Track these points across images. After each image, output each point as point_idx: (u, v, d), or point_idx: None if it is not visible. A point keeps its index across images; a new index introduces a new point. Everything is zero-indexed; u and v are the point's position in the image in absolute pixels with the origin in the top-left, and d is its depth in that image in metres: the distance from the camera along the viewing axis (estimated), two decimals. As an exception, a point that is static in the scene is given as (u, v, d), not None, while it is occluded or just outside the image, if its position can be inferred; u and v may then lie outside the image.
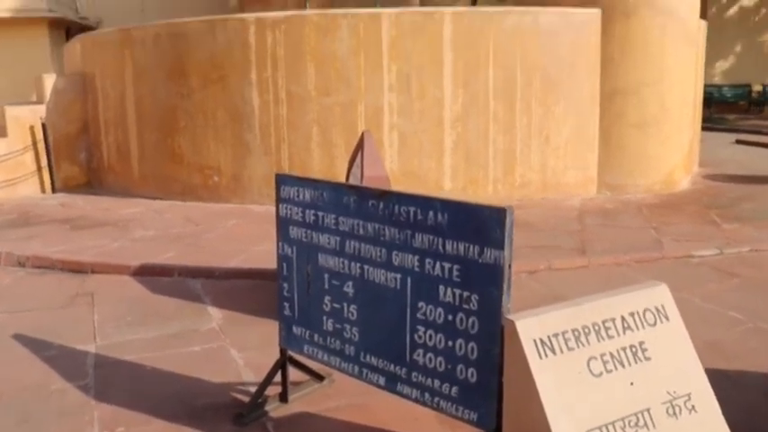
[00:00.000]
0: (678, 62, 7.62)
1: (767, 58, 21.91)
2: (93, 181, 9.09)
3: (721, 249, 5.51)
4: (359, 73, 6.97)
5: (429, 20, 7.02)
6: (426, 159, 7.11)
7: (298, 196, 2.86)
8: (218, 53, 7.30)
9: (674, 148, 7.80)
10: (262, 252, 5.38)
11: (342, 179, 5.87)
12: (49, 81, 8.83)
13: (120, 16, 17.89)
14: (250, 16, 7.45)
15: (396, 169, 6.89)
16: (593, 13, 7.25)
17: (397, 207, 2.52)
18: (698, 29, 8.33)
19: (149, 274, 5.21)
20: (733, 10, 21.29)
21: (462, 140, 7.10)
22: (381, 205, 2.56)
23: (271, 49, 7.09)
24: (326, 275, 2.80)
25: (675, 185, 7.84)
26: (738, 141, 12.92)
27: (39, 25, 17.04)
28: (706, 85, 18.81)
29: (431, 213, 2.39)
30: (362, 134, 4.19)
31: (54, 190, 8.62)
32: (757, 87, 21.11)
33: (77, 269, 5.43)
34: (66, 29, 18.17)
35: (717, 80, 20.67)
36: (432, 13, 7.28)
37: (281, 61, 7.08)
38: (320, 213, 2.78)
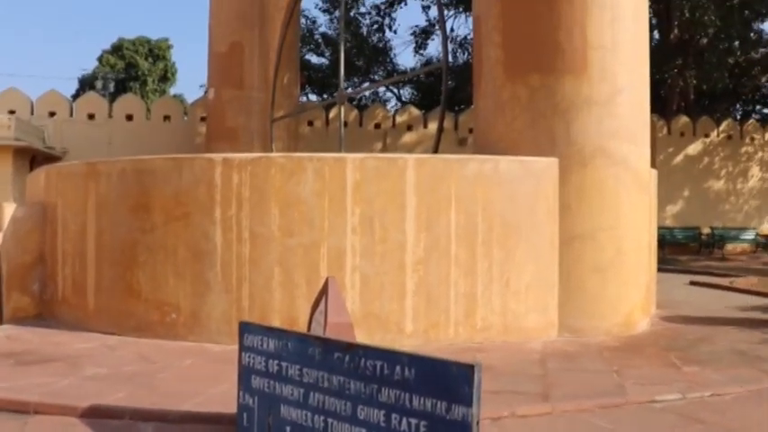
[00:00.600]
0: (632, 208, 7.92)
1: (713, 203, 22.98)
2: (44, 313, 8.83)
3: (684, 394, 5.48)
4: (323, 215, 7.08)
5: (393, 165, 7.24)
6: (388, 301, 7.10)
7: (261, 345, 2.82)
8: (183, 191, 7.37)
9: (632, 291, 7.95)
10: (219, 395, 5.20)
11: (303, 320, 5.82)
12: (9, 209, 8.76)
13: (86, 148, 18.14)
14: (217, 157, 7.59)
15: (357, 311, 6.85)
16: (551, 162, 7.57)
17: (363, 361, 2.49)
18: (649, 177, 8.73)
19: (98, 417, 4.96)
20: (679, 158, 22.49)
21: (424, 283, 7.13)
22: (347, 358, 2.53)
23: (236, 189, 7.19)
24: (289, 428, 2.72)
25: (634, 327, 7.92)
26: (692, 283, 13.25)
27: (3, 152, 17.12)
28: (658, 228, 19.52)
29: (398, 368, 2.37)
30: (327, 280, 4.20)
31: (1, 321, 8.33)
32: (706, 230, 21.97)
33: (19, 409, 5.10)
34: (32, 158, 18.27)
35: (668, 223, 21.47)
36: (395, 158, 7.52)
37: (245, 201, 7.17)
38: (284, 364, 2.74)
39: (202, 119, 18.98)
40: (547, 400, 5.34)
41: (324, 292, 4.10)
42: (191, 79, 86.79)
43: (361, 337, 5.91)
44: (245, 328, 2.91)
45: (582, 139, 7.61)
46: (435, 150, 9.80)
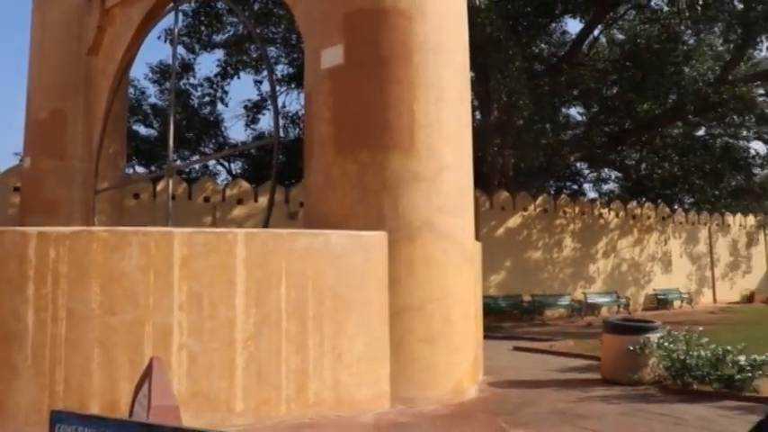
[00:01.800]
0: (459, 279, 8.25)
1: (532, 272, 24.46)
2: None
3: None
4: (147, 291, 6.76)
5: (222, 240, 7.10)
6: (217, 380, 6.84)
7: (75, 437, 2.60)
8: (-9, 267, 6.77)
9: (461, 359, 8.20)
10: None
11: (125, 403, 5.46)
12: None
13: None
14: (32, 230, 7.08)
15: (184, 391, 6.54)
16: (380, 236, 7.76)
17: (186, 447, 2.37)
18: (474, 249, 9.17)
19: None
20: (501, 230, 23.84)
21: (254, 360, 6.95)
22: (169, 446, 2.40)
23: (53, 265, 6.71)
24: None
25: (464, 394, 8.14)
26: (516, 348, 13.89)
27: None
28: (483, 297, 20.39)
29: (222, 454, 2.27)
30: (151, 359, 3.99)
31: None
32: (527, 297, 23.27)
33: None
34: None
35: (492, 292, 22.50)
36: (224, 233, 7.39)
37: (63, 277, 6.70)
38: (100, 456, 2.54)
39: (16, 189, 17.71)
40: (381, 473, 5.33)
41: (148, 372, 3.89)
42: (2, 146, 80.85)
43: (189, 419, 5.63)
44: (56, 418, 2.68)
45: (410, 214, 7.88)
46: (266, 225, 9.74)
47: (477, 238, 10.34)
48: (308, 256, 7.36)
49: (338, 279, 7.46)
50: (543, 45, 27.08)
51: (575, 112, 31.21)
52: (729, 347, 8.55)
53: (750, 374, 8.08)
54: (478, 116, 25.61)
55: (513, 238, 24.09)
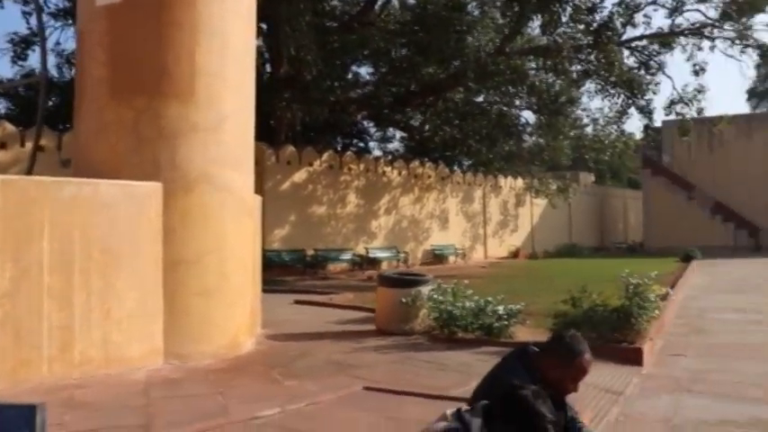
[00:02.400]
0: (237, 232, 8.15)
1: (316, 227, 24.89)
2: None
3: (283, 407, 5.78)
4: None
5: (-28, 186, 6.41)
6: (-33, 341, 6.23)
7: None
8: None
9: (237, 313, 8.16)
10: None
11: None
12: None
13: None
14: None
15: (-74, 353, 5.90)
16: (155, 187, 7.42)
17: None
18: (254, 202, 9.11)
19: None
20: (287, 185, 23.92)
21: (11, 318, 6.35)
22: None
23: None
24: None
25: (240, 348, 8.14)
26: (297, 302, 14.11)
27: None
28: (266, 251, 20.41)
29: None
30: None
31: None
32: (311, 252, 23.67)
33: None
34: None
35: (276, 246, 22.63)
36: (-25, 179, 6.67)
37: None
38: None
39: None
40: (148, 430, 5.19)
41: None
42: None
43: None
44: None
45: (187, 165, 7.62)
46: (29, 172, 8.94)
47: (262, 192, 10.30)
48: (76, 207, 6.85)
49: (108, 231, 7.04)
50: (336, 2, 27.24)
51: (364, 71, 31.89)
52: (490, 298, 9.32)
53: (507, 322, 8.87)
54: (268, 69, 25.29)
55: (299, 192, 24.29)
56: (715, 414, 6.04)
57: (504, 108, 28.18)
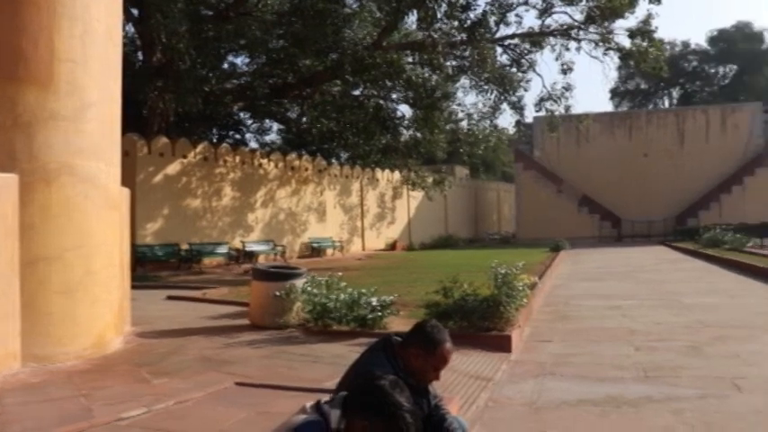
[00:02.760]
0: (102, 227, 7.79)
1: (191, 220, 24.27)
2: None
3: (150, 407, 5.58)
4: None
5: None
6: None
7: None
8: None
9: (104, 311, 7.81)
10: None
11: None
12: None
13: None
14: None
15: None
16: (10, 179, 6.94)
17: None
18: (121, 195, 8.73)
19: None
20: (159, 177, 23.15)
21: None
22: None
23: None
24: None
25: (107, 347, 7.81)
26: (170, 297, 13.72)
27: None
28: (138, 246, 19.72)
29: None
30: None
31: None
32: (185, 246, 23.05)
33: None
34: None
35: (149, 240, 21.89)
36: None
37: None
38: None
39: None
40: (1, 439, 4.88)
41: None
42: None
43: None
44: None
45: (46, 155, 7.19)
46: None
47: (133, 184, 9.89)
48: None
49: (-43, 226, 6.55)
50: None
51: (240, 61, 31.31)
52: (364, 290, 9.40)
53: (380, 314, 8.98)
54: (140, 57, 24.36)
55: (172, 185, 23.59)
56: (575, 395, 6.37)
57: (381, 101, 28.47)
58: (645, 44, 27.48)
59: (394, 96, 29.52)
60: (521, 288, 8.98)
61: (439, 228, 44.20)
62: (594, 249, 35.93)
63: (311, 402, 2.60)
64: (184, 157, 24.15)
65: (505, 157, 61.58)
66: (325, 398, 2.63)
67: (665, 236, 44.19)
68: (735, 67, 71.02)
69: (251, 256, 25.51)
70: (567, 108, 27.88)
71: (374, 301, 9.07)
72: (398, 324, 9.09)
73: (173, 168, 23.63)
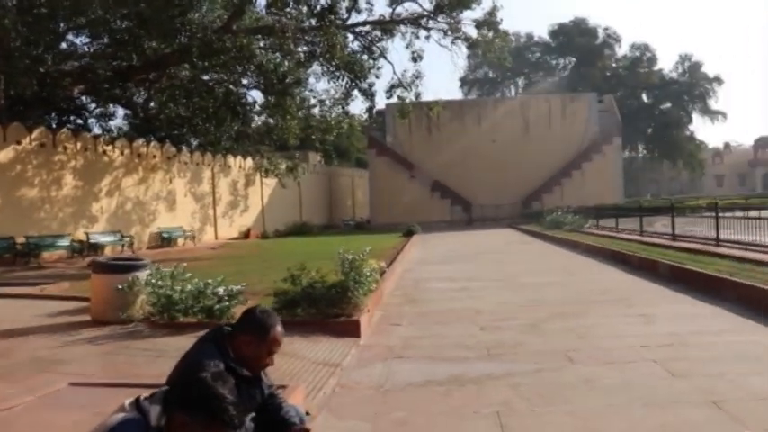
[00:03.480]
0: None
1: (28, 211, 22.72)
2: None
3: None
4: None
5: None
6: None
7: None
8: None
9: None
10: None
11: None
12: None
13: None
14: None
15: None
16: None
17: None
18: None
19: None
20: (-11, 165, 21.47)
21: None
22: None
23: None
24: None
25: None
26: (2, 295, 12.80)
27: None
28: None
29: None
30: None
31: None
32: (21, 239, 21.54)
33: None
34: None
35: (-22, 234, 20.28)
36: None
37: None
38: None
39: None
40: None
41: None
42: None
43: None
44: None
45: None
46: None
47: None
48: None
49: None
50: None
51: (80, 41, 29.48)
52: (210, 280, 9.18)
53: (228, 303, 8.81)
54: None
55: (5, 173, 21.95)
56: (422, 376, 6.56)
57: (232, 87, 27.84)
58: (491, 35, 28.63)
59: (245, 82, 29.00)
60: (368, 273, 9.12)
61: (293, 215, 44.02)
62: (446, 233, 37.12)
63: (130, 399, 2.50)
64: (18, 143, 22.47)
65: (359, 144, 62.22)
66: (146, 393, 2.55)
67: (512, 219, 46.40)
68: (573, 59, 75.49)
69: (96, 248, 24.22)
70: (418, 95, 28.50)
71: (221, 290, 8.89)
72: (248, 314, 8.99)
73: (5, 155, 21.93)
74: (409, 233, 31.30)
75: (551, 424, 5.00)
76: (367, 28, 27.82)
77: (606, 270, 15.36)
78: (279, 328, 3.32)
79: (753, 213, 15.72)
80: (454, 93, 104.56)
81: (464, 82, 78.71)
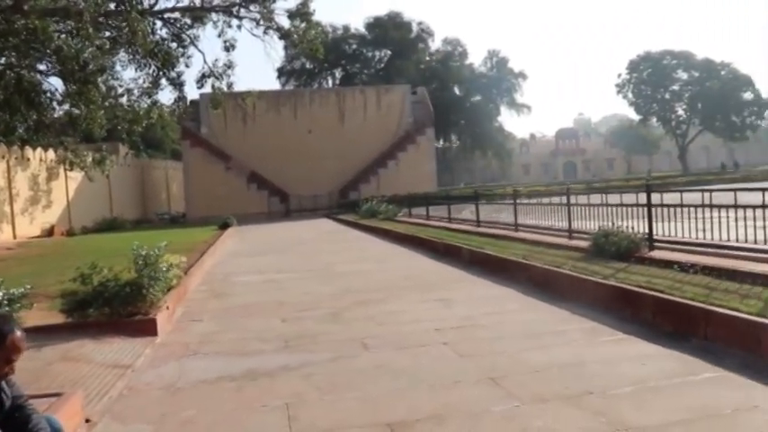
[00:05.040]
0: None
1: None
2: None
3: None
4: None
5: None
6: None
7: None
8: None
9: None
10: None
11: None
12: None
13: None
14: None
15: None
16: None
17: None
18: None
19: None
20: None
21: None
22: None
23: None
24: None
25: None
26: None
27: None
28: None
29: None
30: None
31: None
32: None
33: None
34: None
35: None
36: None
37: None
38: None
39: None
40: None
41: None
42: None
43: None
44: None
45: None
46: None
47: None
48: None
49: None
50: None
51: None
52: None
53: (8, 308, 8.10)
54: None
55: None
56: (215, 372, 6.42)
57: (25, 72, 25.68)
58: (303, 26, 28.56)
59: (42, 68, 26.86)
60: (165, 269, 8.80)
61: (103, 210, 41.67)
62: (263, 225, 36.80)
63: None
64: None
65: (174, 135, 60.05)
66: None
67: (329, 209, 46.89)
68: (389, 52, 77.50)
69: None
70: (230, 85, 27.85)
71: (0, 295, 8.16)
72: (36, 317, 8.39)
73: None
74: (224, 226, 30.70)
75: (340, 411, 5.10)
76: (176, 15, 26.75)
77: (414, 257, 15.88)
78: (18, 334, 3.11)
79: (545, 200, 16.90)
80: (273, 84, 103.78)
81: (281, 73, 78.27)
